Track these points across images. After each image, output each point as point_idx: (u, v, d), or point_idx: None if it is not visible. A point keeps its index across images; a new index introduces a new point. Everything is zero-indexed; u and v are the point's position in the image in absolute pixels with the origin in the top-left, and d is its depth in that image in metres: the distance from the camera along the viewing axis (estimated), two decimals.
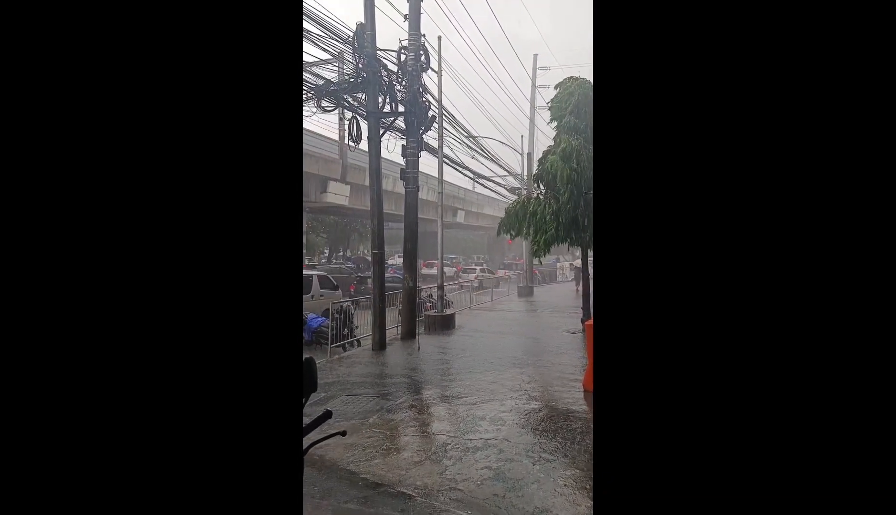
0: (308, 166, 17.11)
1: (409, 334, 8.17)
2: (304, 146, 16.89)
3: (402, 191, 8.48)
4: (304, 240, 21.35)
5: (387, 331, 7.77)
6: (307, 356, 1.23)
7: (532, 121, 21.27)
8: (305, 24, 7.27)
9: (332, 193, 18.55)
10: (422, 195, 10.73)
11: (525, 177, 17.76)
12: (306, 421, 1.23)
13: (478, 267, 23.12)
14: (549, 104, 6.17)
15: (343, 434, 1.35)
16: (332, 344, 7.09)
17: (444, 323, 9.25)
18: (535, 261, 15.51)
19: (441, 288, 9.87)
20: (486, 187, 17.24)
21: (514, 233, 5.49)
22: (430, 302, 10.67)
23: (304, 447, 1.14)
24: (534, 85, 21.77)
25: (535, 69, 22.04)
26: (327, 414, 1.23)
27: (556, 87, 5.99)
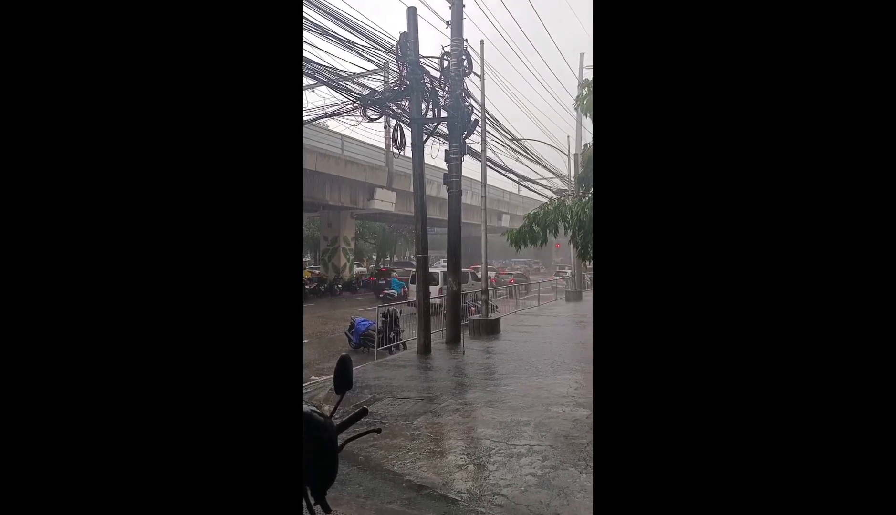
0: (356, 174, 17.60)
1: (453, 338, 8.17)
2: (353, 155, 17.48)
3: (447, 195, 8.54)
4: (353, 246, 21.91)
5: (431, 335, 7.81)
6: (343, 354, 1.25)
7: (579, 121, 20.80)
8: (351, 36, 7.51)
9: (378, 200, 18.97)
10: (466, 200, 10.75)
11: (572, 179, 17.38)
12: (343, 419, 1.25)
13: (568, 269, 24.77)
14: (576, 103, 5.98)
15: (378, 431, 1.36)
16: (378, 347, 7.22)
17: (489, 328, 9.18)
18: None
19: (485, 292, 9.82)
20: (531, 190, 16.97)
21: (540, 240, 5.21)
22: (474, 306, 10.63)
23: (340, 443, 1.16)
24: (580, 85, 21.29)
25: (581, 68, 21.58)
26: (363, 412, 1.25)
27: (583, 87, 5.80)
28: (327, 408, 1.40)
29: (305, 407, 1.10)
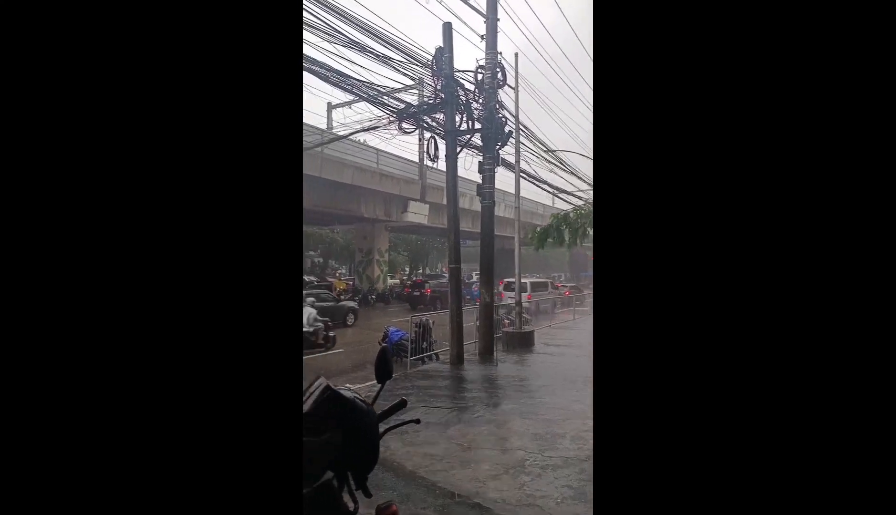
0: (390, 187, 17.92)
1: (486, 350, 8.11)
2: (387, 168, 17.82)
3: (479, 208, 8.56)
4: (386, 258, 22.21)
5: (464, 347, 7.78)
6: (383, 346, 1.29)
7: None
8: (389, 52, 7.73)
9: (412, 213, 19.22)
10: (498, 212, 10.73)
11: None
12: (384, 407, 1.28)
13: None
14: None
15: (417, 421, 1.38)
16: (411, 357, 7.25)
17: (523, 341, 9.06)
18: None
19: (519, 304, 9.72)
20: (566, 202, 16.78)
21: (568, 243, 5.19)
22: (508, 318, 10.53)
23: (381, 431, 1.18)
24: None
25: None
26: (402, 403, 1.27)
27: None
28: None
29: (349, 394, 1.13)
